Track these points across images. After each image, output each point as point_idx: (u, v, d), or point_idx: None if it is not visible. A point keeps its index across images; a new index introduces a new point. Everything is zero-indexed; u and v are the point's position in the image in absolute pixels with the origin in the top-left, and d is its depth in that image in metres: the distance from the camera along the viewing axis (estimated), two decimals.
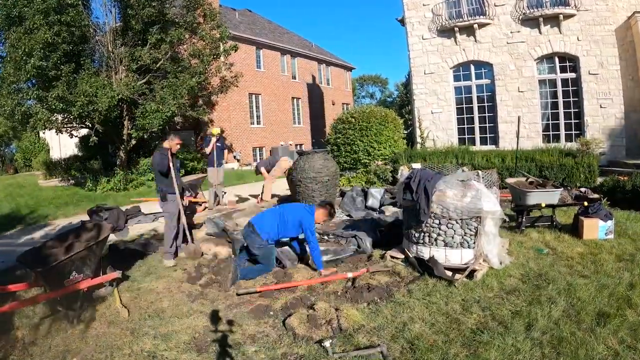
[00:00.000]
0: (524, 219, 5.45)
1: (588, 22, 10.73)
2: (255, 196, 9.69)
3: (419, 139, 12.82)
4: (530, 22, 11.37)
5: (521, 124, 11.55)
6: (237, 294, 3.85)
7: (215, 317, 3.46)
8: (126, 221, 7.34)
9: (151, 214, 8.06)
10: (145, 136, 13.81)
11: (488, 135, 12.29)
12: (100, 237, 3.82)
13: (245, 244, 4.56)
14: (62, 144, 22.32)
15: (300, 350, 2.86)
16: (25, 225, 8.01)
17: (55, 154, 22.56)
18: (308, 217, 4.35)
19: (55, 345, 3.09)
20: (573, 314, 3.07)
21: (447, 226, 4.11)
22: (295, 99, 25.44)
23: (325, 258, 4.53)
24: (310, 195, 6.57)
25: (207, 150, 8.48)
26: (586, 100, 10.88)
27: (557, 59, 11.34)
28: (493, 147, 11.85)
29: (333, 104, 28.90)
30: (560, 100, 11.35)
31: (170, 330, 3.23)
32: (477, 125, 12.40)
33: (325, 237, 5.27)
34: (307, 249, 4.47)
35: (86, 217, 7.11)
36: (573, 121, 11.24)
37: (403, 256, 4.53)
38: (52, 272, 3.34)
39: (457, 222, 4.07)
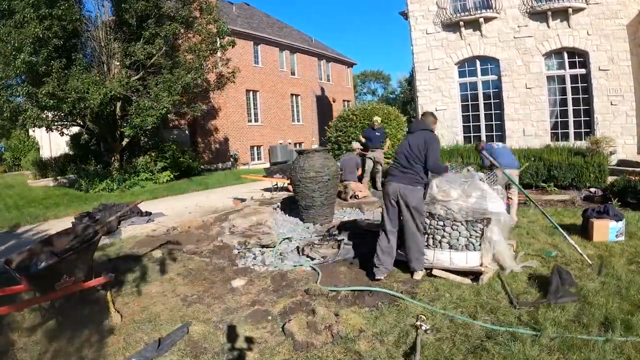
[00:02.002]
0: None
1: (598, 16, 10.71)
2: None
3: None
4: (538, 15, 11.35)
5: (529, 121, 11.57)
6: None
7: (211, 322, 3.45)
8: (119, 222, 7.34)
9: (146, 215, 8.05)
10: (139, 135, 13.81)
11: (494, 134, 12.27)
12: (92, 239, 3.82)
13: None
14: (53, 143, 22.32)
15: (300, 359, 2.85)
16: (13, 226, 8.00)
17: (46, 153, 22.56)
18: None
19: (44, 352, 3.09)
20: (583, 319, 3.06)
21: (451, 228, 4.10)
22: (294, 96, 25.44)
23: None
24: (310, 195, 6.56)
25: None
26: (596, 97, 10.86)
27: (566, 54, 11.32)
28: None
29: (333, 101, 28.90)
30: (569, 97, 11.33)
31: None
32: (482, 122, 12.38)
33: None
34: None
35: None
36: (582, 119, 11.22)
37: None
38: (42, 276, 3.33)
39: (462, 224, 4.06)
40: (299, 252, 5.30)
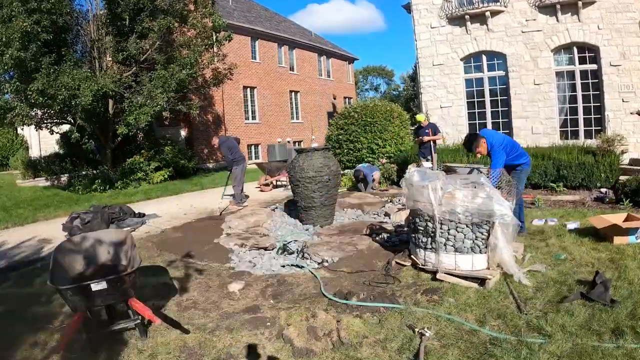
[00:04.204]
0: None
1: (609, 10, 10.72)
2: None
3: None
4: (546, 9, 11.35)
5: (537, 119, 11.56)
6: None
7: (207, 328, 3.45)
8: (112, 224, 7.33)
9: (139, 216, 8.03)
10: (132, 133, 13.77)
11: (501, 131, 12.26)
12: None
13: None
14: (42, 141, 22.32)
15: None
16: (2, 228, 8.00)
17: (35, 152, 22.56)
18: None
19: None
20: (593, 325, 3.06)
21: (456, 230, 4.10)
22: (293, 93, 25.42)
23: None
24: (310, 196, 6.56)
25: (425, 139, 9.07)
26: (607, 93, 10.86)
27: (575, 50, 11.32)
28: None
29: (334, 98, 28.90)
30: (579, 93, 11.33)
31: (159, 343, 3.22)
32: (489, 120, 12.38)
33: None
34: None
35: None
36: (593, 116, 11.22)
37: (410, 262, 4.53)
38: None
39: (467, 226, 4.05)
40: (297, 255, 5.30)
